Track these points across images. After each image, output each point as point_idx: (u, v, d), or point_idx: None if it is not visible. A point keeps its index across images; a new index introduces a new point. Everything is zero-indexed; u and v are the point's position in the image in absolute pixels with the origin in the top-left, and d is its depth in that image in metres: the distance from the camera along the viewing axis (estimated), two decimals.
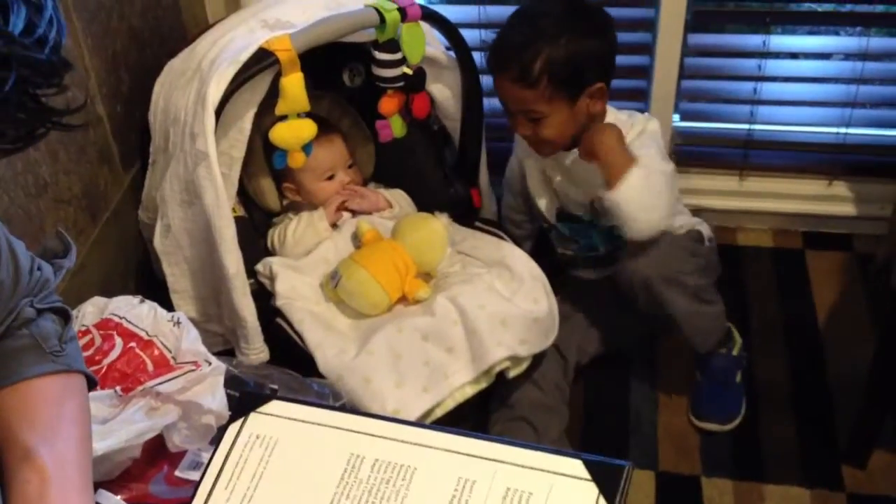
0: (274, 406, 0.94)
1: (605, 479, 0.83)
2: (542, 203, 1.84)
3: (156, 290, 1.57)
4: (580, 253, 1.85)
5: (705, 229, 1.85)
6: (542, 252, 1.86)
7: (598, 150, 1.59)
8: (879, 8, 1.94)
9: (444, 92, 1.72)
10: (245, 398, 0.97)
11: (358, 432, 0.91)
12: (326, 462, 0.89)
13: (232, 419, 0.94)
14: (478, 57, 1.75)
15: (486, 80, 1.78)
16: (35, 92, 0.62)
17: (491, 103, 1.82)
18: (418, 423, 0.93)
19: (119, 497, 1.08)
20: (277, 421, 0.93)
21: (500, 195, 1.95)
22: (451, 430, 0.90)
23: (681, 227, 1.80)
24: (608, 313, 1.83)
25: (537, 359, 1.68)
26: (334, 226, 1.75)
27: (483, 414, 1.74)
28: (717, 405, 1.78)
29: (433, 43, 1.67)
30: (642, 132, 1.68)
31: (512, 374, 1.62)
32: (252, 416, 0.94)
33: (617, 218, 1.58)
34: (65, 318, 0.91)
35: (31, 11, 0.60)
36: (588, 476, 0.83)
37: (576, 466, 0.84)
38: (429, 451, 0.88)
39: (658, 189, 1.57)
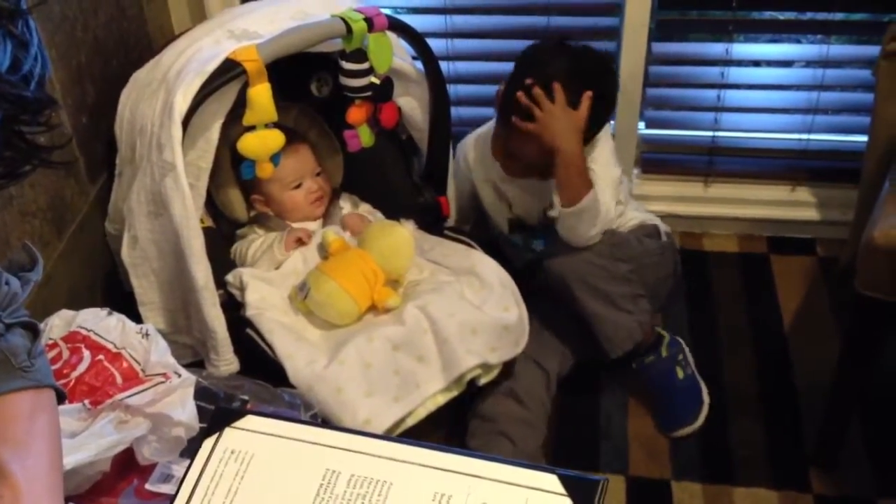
0: (249, 421, 0.94)
1: (580, 494, 0.82)
2: (498, 216, 1.89)
3: (123, 303, 1.56)
4: (536, 259, 1.87)
5: (661, 224, 1.88)
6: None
7: (566, 167, 1.66)
8: (839, 16, 1.97)
9: (411, 104, 1.73)
10: (219, 413, 0.96)
11: (334, 447, 0.91)
12: (302, 477, 0.89)
13: (206, 434, 0.93)
14: (444, 66, 1.76)
15: (453, 90, 1.79)
16: (21, 130, 0.62)
17: (457, 112, 1.83)
18: (394, 438, 0.93)
19: None
20: (253, 436, 0.93)
21: None
22: (427, 444, 0.90)
23: (631, 219, 1.84)
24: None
25: (518, 373, 1.69)
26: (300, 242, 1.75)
27: (457, 423, 1.74)
28: (673, 410, 1.79)
29: (401, 54, 1.68)
30: (592, 146, 1.75)
31: (483, 381, 1.62)
32: (227, 431, 0.93)
33: (561, 227, 1.69)
34: (34, 332, 0.90)
35: (16, 47, 0.60)
36: (563, 491, 0.83)
37: (551, 481, 0.84)
38: (405, 466, 0.88)
39: (599, 213, 1.66)
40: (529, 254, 1.88)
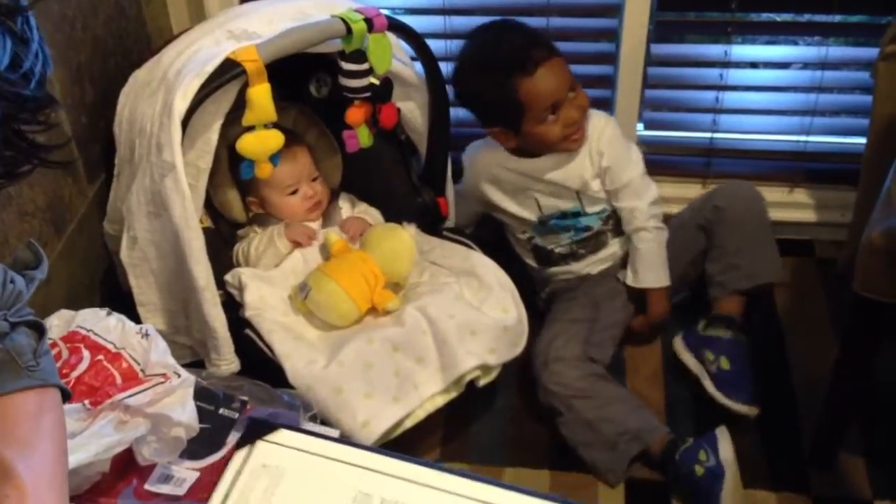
0: (282, 435, 0.93)
1: None
2: (525, 213, 1.89)
3: (122, 303, 1.55)
4: (576, 237, 1.88)
5: None
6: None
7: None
8: (837, 18, 1.97)
9: (411, 108, 1.73)
10: (253, 426, 0.96)
11: (366, 468, 0.90)
12: (332, 498, 0.88)
13: (239, 446, 0.93)
14: (444, 67, 1.76)
15: (452, 90, 1.79)
16: (21, 128, 0.61)
17: (457, 112, 1.83)
18: (426, 462, 0.93)
19: None
20: (285, 451, 0.92)
21: None
22: (458, 472, 0.89)
23: None
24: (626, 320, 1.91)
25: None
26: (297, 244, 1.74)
27: (453, 425, 1.74)
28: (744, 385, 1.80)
29: (400, 55, 1.68)
30: (602, 135, 1.82)
31: (482, 382, 1.62)
32: (259, 444, 0.92)
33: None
34: (39, 331, 0.90)
35: (16, 45, 0.59)
36: None
37: None
38: (435, 493, 0.87)
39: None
40: (565, 234, 1.89)
